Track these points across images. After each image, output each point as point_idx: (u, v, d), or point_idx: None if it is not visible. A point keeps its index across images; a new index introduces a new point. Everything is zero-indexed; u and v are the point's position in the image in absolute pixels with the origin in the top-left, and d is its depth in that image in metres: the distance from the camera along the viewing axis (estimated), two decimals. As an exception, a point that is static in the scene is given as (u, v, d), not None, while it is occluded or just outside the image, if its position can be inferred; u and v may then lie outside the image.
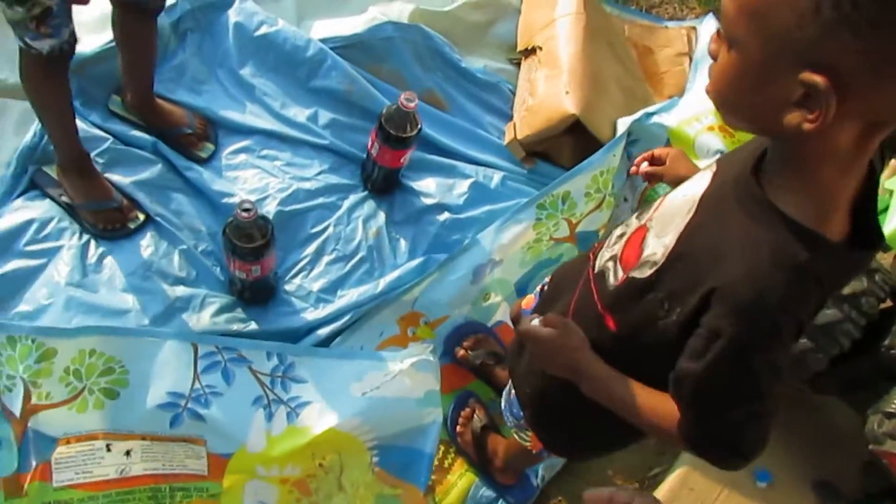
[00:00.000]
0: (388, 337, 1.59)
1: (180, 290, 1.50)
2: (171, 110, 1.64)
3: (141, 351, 1.27)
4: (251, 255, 1.37)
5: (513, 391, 1.16)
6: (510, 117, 1.96)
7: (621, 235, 0.93)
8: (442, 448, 1.56)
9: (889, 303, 1.50)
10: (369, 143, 1.64)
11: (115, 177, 1.56)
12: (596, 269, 0.95)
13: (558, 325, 0.90)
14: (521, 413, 1.14)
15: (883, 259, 1.72)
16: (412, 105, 1.50)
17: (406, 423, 1.31)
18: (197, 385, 1.27)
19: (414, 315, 1.63)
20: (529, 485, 1.57)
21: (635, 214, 0.94)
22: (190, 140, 1.65)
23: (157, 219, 1.55)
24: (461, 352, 1.63)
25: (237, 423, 1.26)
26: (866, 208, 0.69)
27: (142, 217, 1.54)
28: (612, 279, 0.89)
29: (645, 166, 1.05)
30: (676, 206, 0.83)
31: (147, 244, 1.53)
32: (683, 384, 0.76)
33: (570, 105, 1.75)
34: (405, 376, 1.32)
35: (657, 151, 1.05)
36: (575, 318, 0.96)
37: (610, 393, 0.86)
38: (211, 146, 1.68)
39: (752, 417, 0.74)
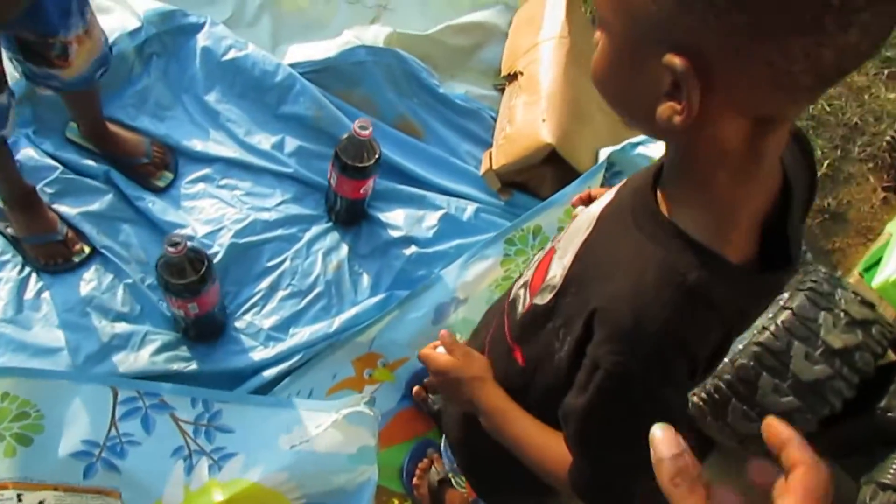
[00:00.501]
0: (342, 379, 1.49)
1: (120, 327, 1.42)
2: (126, 139, 1.59)
3: (58, 394, 1.20)
4: (186, 292, 1.29)
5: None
6: (490, 145, 1.86)
7: (534, 262, 0.85)
8: (396, 501, 1.44)
9: (892, 357, 1.34)
10: (328, 173, 1.56)
11: (63, 208, 1.50)
12: (510, 297, 0.87)
13: (458, 353, 0.83)
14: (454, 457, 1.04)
15: (886, 310, 1.56)
16: (366, 133, 1.41)
17: (337, 482, 1.21)
18: (113, 433, 1.19)
19: (371, 356, 1.53)
20: None
21: (553, 237, 0.85)
22: (147, 169, 1.59)
23: (104, 251, 1.49)
24: (422, 394, 1.51)
25: (154, 476, 1.17)
26: (779, 226, 0.60)
27: (87, 250, 1.48)
28: (520, 307, 0.81)
29: (580, 209, 0.94)
30: (579, 224, 0.74)
31: (90, 278, 1.46)
32: (568, 422, 0.68)
33: (546, 134, 1.64)
34: (337, 429, 1.21)
35: (595, 192, 0.95)
36: (489, 352, 0.89)
37: (503, 428, 0.79)
38: (169, 175, 1.62)
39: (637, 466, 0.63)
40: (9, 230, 1.46)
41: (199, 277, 1.28)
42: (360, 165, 1.47)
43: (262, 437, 1.21)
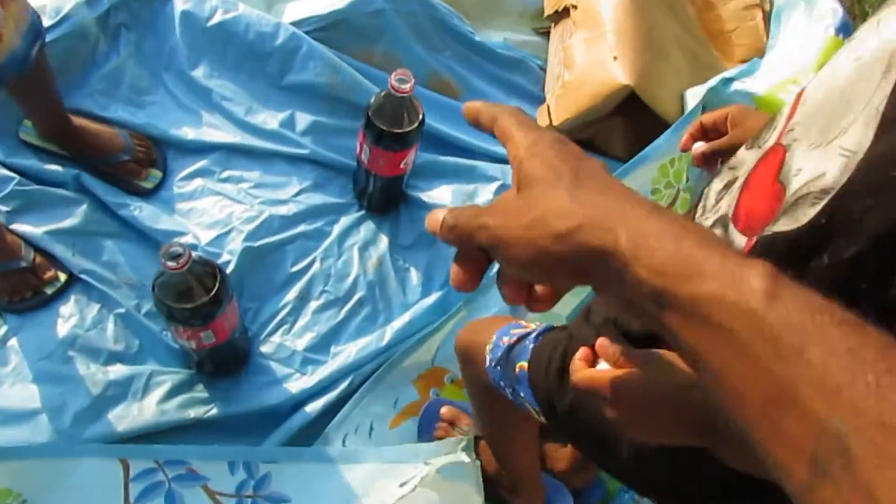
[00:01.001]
0: (407, 405, 1.18)
1: (116, 372, 1.11)
2: (97, 132, 1.26)
3: (47, 478, 0.90)
4: (195, 319, 0.97)
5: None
6: (542, 100, 1.54)
7: (727, 187, 0.55)
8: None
9: None
10: (358, 148, 1.23)
11: (25, 227, 1.18)
12: None
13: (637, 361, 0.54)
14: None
15: None
16: (407, 88, 1.08)
17: None
18: None
19: (435, 373, 1.22)
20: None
21: (746, 146, 0.55)
22: (128, 168, 1.26)
23: (84, 276, 1.16)
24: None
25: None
26: None
27: (63, 277, 1.16)
28: None
29: (700, 146, 0.73)
30: (847, 79, 0.42)
31: (70, 313, 1.14)
32: None
33: (620, 74, 1.32)
34: (431, 488, 0.90)
35: (707, 118, 0.73)
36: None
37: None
38: (157, 173, 1.29)
39: None
40: None
41: (212, 297, 0.96)
42: (401, 131, 1.15)
43: None
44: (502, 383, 0.79)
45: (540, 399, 0.72)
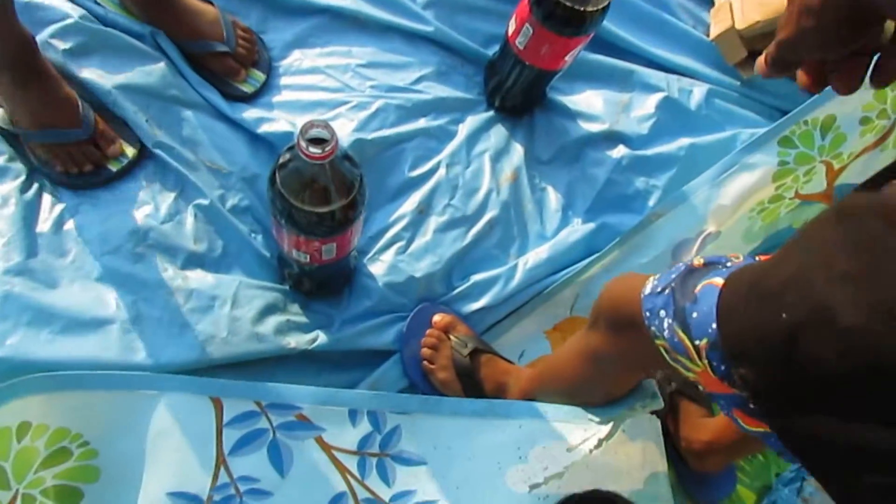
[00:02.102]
0: (534, 361, 0.96)
1: (196, 279, 0.87)
2: (195, 9, 0.97)
3: (118, 416, 0.67)
4: (323, 228, 0.74)
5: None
6: (707, -2, 1.26)
7: None
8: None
9: None
10: (512, 28, 0.97)
11: (88, 72, 0.91)
12: None
13: None
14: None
15: None
16: None
17: None
18: (224, 478, 0.68)
19: (573, 323, 0.99)
20: None
21: None
22: (226, 65, 0.98)
23: (158, 152, 0.91)
24: None
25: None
26: None
27: (131, 153, 0.90)
28: None
29: None
30: None
31: (140, 198, 0.90)
32: None
33: (840, -31, 1.04)
34: (610, 453, 0.69)
35: None
36: None
37: None
38: (260, 75, 1.01)
39: None
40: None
41: (350, 202, 0.72)
42: (585, 10, 0.88)
43: (475, 471, 0.69)
44: (662, 312, 0.57)
45: (725, 321, 0.50)
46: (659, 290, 0.59)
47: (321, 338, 0.88)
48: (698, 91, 1.13)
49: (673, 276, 0.59)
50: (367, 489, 0.71)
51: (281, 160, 0.71)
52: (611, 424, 0.72)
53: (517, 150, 1.06)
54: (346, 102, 1.01)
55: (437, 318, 0.92)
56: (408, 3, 1.09)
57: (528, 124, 1.09)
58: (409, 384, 0.90)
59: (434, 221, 0.99)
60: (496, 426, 0.75)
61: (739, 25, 1.13)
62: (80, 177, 0.87)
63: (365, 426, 0.74)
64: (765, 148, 1.02)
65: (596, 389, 0.76)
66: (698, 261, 0.59)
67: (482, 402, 0.78)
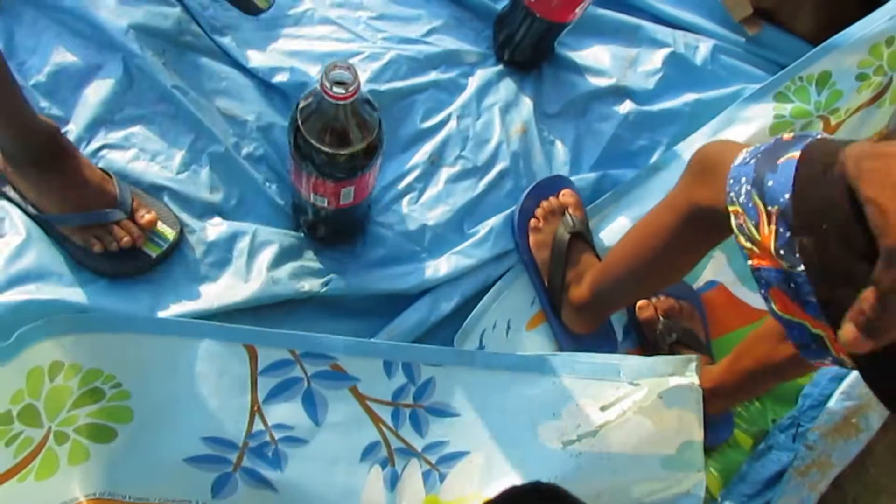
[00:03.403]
0: (541, 309, 0.99)
1: (215, 228, 0.89)
2: None
3: (152, 359, 0.69)
4: (343, 170, 0.75)
5: None
6: (713, -46, 1.26)
7: None
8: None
9: None
10: (523, -21, 0.97)
11: (105, 12, 0.91)
12: None
13: None
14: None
15: None
16: None
17: (638, 494, 0.73)
18: (259, 425, 0.70)
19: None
20: (611, 340, 0.99)
21: None
22: None
23: (175, 91, 0.92)
24: (648, 311, 1.01)
25: (334, 494, 0.69)
26: None
27: (171, 234, 0.85)
28: None
29: None
30: None
31: (154, 148, 0.91)
32: None
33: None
34: (646, 415, 0.72)
35: None
36: None
37: None
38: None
39: None
40: (15, 195, 0.83)
41: (370, 144, 0.74)
42: (598, -40, 0.89)
43: (508, 425, 0.72)
44: (744, 179, 0.60)
45: (799, 190, 0.54)
46: (747, 160, 0.61)
47: (335, 281, 0.90)
48: (704, 47, 1.15)
49: (762, 148, 0.61)
50: (401, 439, 0.74)
51: (302, 103, 0.72)
52: (647, 389, 0.75)
53: (526, 104, 1.08)
54: (358, 53, 1.02)
55: (566, 192, 0.99)
56: (418, -44, 1.09)
57: (536, 78, 1.10)
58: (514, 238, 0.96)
59: (445, 172, 1.01)
60: (530, 381, 0.78)
61: (744, -19, 1.14)
62: (120, 260, 0.83)
63: (399, 377, 0.77)
64: (761, 102, 1.04)
65: (657, 263, 0.79)
66: (788, 135, 0.61)
67: (515, 357, 0.81)
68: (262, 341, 0.74)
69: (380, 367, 0.77)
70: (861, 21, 1.06)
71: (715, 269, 1.07)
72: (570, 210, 0.97)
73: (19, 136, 0.75)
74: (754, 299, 1.06)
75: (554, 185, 1.00)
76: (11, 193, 0.83)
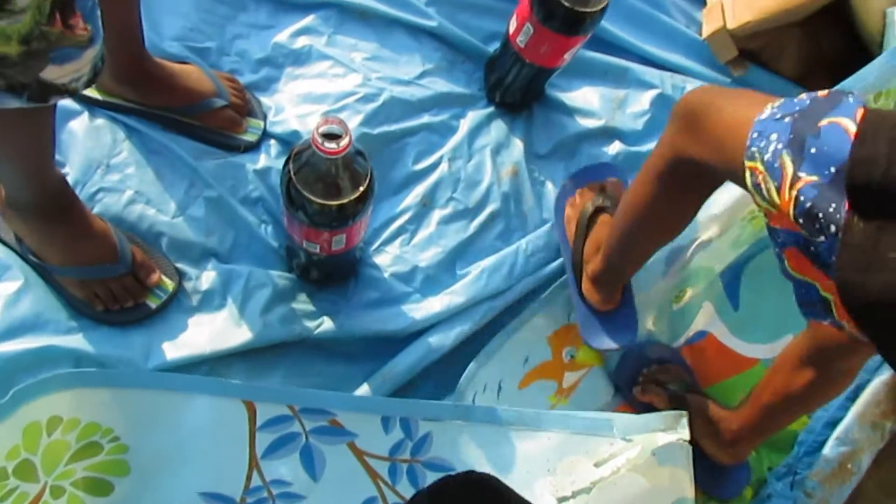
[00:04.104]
0: (539, 364, 0.99)
1: (210, 272, 0.90)
2: (181, 72, 0.94)
3: (150, 414, 0.70)
4: (335, 220, 0.77)
5: None
6: (701, -3, 1.30)
7: None
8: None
9: None
10: (513, 26, 1.00)
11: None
12: None
13: None
14: None
15: None
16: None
17: None
18: (256, 480, 0.71)
19: (570, 331, 1.02)
20: (629, 324, 0.99)
21: None
22: (227, 117, 0.96)
23: (174, 147, 0.94)
24: (643, 394, 0.99)
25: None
26: None
27: (170, 285, 0.87)
28: None
29: None
30: None
31: (149, 192, 0.92)
32: None
33: (829, -28, 1.08)
34: (640, 473, 0.73)
35: None
36: None
37: None
38: (259, 123, 1.00)
39: None
40: (5, 235, 0.85)
41: (360, 195, 0.76)
42: (585, 11, 0.91)
43: (504, 480, 0.72)
44: (774, 136, 0.57)
45: (859, 170, 0.52)
46: (778, 116, 0.58)
47: (327, 323, 0.92)
48: (691, 88, 1.17)
49: (797, 107, 0.58)
50: (398, 494, 0.75)
51: (295, 155, 0.74)
52: (640, 447, 0.76)
53: (517, 145, 1.10)
54: (352, 94, 1.04)
55: (611, 180, 1.03)
56: (412, 0, 1.11)
57: (527, 119, 1.12)
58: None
59: (437, 214, 1.02)
60: (526, 436, 0.79)
61: (730, 25, 1.16)
62: (120, 313, 0.84)
63: (397, 433, 0.77)
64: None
65: (650, 216, 0.79)
66: (823, 92, 0.58)
67: (513, 412, 0.82)
68: (260, 397, 0.75)
69: (377, 422, 0.78)
70: (853, 77, 1.06)
71: (704, 319, 1.07)
72: (608, 190, 1.01)
73: (36, 188, 0.75)
74: (745, 348, 1.07)
75: (601, 171, 1.04)
76: (7, 238, 0.84)
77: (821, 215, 0.52)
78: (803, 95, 0.59)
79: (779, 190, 0.55)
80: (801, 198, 0.53)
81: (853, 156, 0.51)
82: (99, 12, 0.55)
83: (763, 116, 0.59)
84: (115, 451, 0.70)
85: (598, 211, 0.99)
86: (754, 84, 1.21)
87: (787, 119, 0.57)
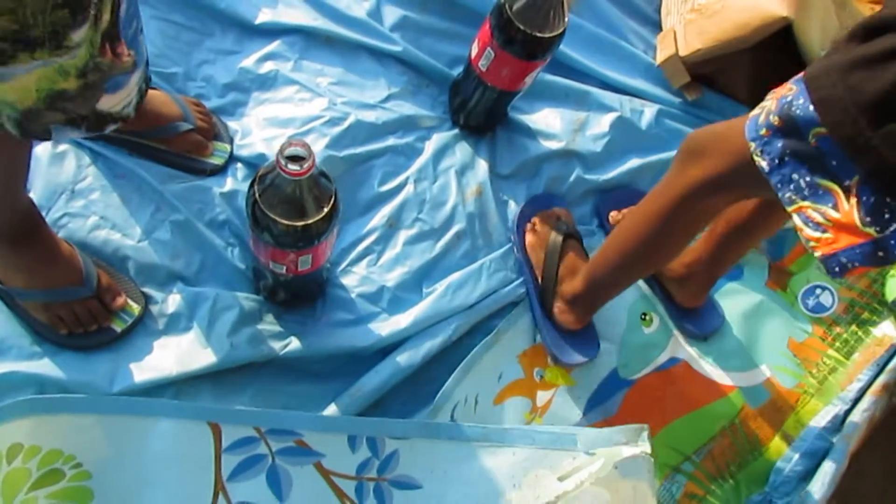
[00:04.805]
0: (511, 382, 1.01)
1: (176, 295, 0.90)
2: (147, 97, 0.91)
3: (112, 439, 0.70)
4: (300, 241, 0.78)
5: None
6: (656, 23, 1.34)
7: None
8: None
9: None
10: (475, 51, 1.03)
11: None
12: None
13: None
14: None
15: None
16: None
17: None
18: (222, 501, 0.70)
19: (537, 351, 1.04)
20: (592, 338, 1.06)
21: None
22: (194, 140, 0.96)
23: (140, 171, 0.94)
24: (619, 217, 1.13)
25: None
26: None
27: (136, 309, 0.87)
28: None
29: None
30: None
31: (115, 217, 0.93)
32: None
33: (776, 3, 1.13)
34: (603, 486, 0.74)
35: None
36: None
37: None
38: (225, 146, 1.01)
39: None
40: None
41: (325, 216, 0.77)
42: (544, 36, 0.95)
43: (470, 495, 0.73)
44: (794, 176, 0.63)
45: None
46: (778, 161, 0.63)
47: (294, 343, 0.92)
48: (649, 111, 1.21)
49: (779, 143, 0.63)
50: None
51: (259, 177, 0.75)
52: (602, 460, 0.77)
53: (481, 166, 1.12)
54: (318, 117, 1.06)
55: (557, 208, 1.10)
56: (376, 25, 1.14)
57: (490, 141, 1.15)
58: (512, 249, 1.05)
59: (403, 234, 1.04)
60: (491, 452, 0.80)
61: (682, 52, 1.21)
62: (84, 337, 0.84)
63: (364, 451, 0.78)
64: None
65: (651, 249, 0.85)
66: (771, 99, 0.65)
67: (479, 429, 0.83)
68: (226, 419, 0.75)
69: (344, 441, 0.78)
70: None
71: (674, 347, 1.10)
72: (563, 218, 1.07)
73: (6, 212, 0.75)
74: (718, 374, 1.10)
75: (548, 200, 1.11)
76: None
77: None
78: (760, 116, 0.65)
79: (836, 207, 0.60)
80: (864, 197, 0.58)
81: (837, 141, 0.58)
82: (141, 37, 0.56)
83: (767, 168, 0.64)
84: (77, 478, 0.69)
85: (567, 237, 1.04)
86: (711, 106, 1.26)
87: (788, 158, 0.62)
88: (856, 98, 0.57)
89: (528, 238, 1.06)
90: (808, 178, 0.61)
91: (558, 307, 1.02)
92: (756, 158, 0.65)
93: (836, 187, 0.60)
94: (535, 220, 1.07)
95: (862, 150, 0.57)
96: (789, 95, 0.63)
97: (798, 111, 0.61)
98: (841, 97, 0.57)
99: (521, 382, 1.00)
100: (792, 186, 0.63)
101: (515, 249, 1.07)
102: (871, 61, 0.56)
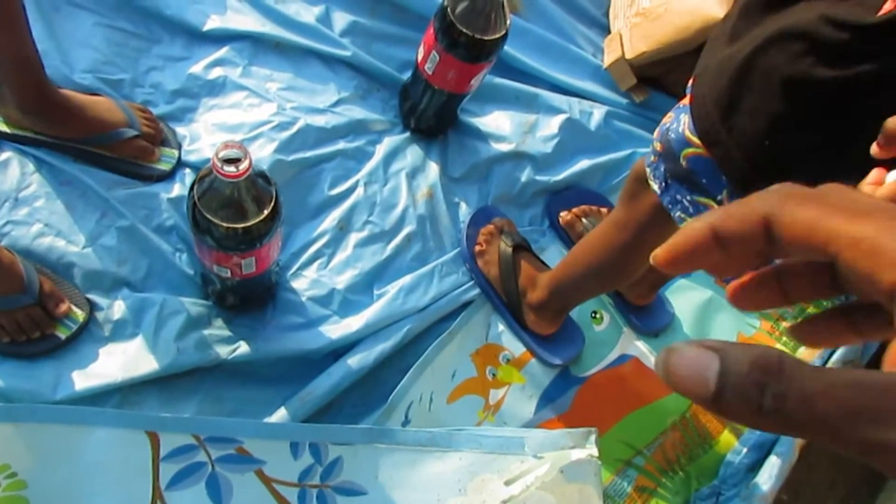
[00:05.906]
0: (465, 380, 1.02)
1: (122, 301, 0.90)
2: (89, 103, 0.94)
3: (49, 448, 0.69)
4: (242, 243, 0.78)
5: None
6: (604, 27, 1.37)
7: None
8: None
9: None
10: (421, 55, 1.04)
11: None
12: None
13: None
14: None
15: None
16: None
17: None
18: None
19: (489, 350, 1.06)
20: (577, 337, 1.09)
21: None
22: (137, 147, 0.96)
23: (85, 178, 0.94)
24: (568, 217, 1.16)
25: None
26: None
27: (81, 315, 0.86)
28: None
29: None
30: None
31: (59, 225, 0.92)
32: None
33: (715, 4, 1.16)
34: (548, 491, 0.75)
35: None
36: None
37: None
38: (173, 152, 1.01)
39: None
40: None
41: (267, 217, 0.77)
42: (486, 39, 0.96)
43: (415, 501, 0.74)
44: (679, 196, 0.66)
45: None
46: (669, 188, 0.67)
47: (243, 347, 0.92)
48: (598, 113, 1.23)
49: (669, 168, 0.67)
50: None
51: (198, 179, 0.75)
52: (549, 464, 0.78)
53: (432, 169, 1.13)
54: (267, 122, 1.06)
55: (496, 219, 1.09)
56: (326, 30, 1.15)
57: (442, 144, 1.16)
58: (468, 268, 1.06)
59: (354, 237, 1.05)
60: (437, 457, 0.80)
61: (628, 55, 1.24)
62: (27, 345, 0.83)
63: (306, 458, 0.77)
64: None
65: (621, 257, 0.86)
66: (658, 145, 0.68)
67: (424, 433, 0.83)
68: (164, 427, 0.75)
69: (286, 448, 0.78)
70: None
71: (624, 344, 1.12)
72: (505, 229, 1.07)
73: None
74: None
75: (486, 214, 1.11)
76: None
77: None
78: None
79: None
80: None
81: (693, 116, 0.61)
82: None
83: (660, 192, 0.69)
84: (12, 488, 0.68)
85: (516, 249, 1.05)
86: (658, 106, 1.28)
87: (684, 197, 0.66)
88: (712, 94, 0.60)
89: (481, 261, 1.07)
90: (689, 197, 0.65)
91: (529, 318, 1.04)
92: (651, 183, 0.69)
93: (712, 203, 0.63)
94: (480, 239, 1.08)
95: (714, 143, 0.60)
96: (668, 122, 0.67)
97: (672, 135, 0.65)
98: (704, 94, 0.61)
99: (474, 381, 1.01)
100: (679, 207, 0.67)
101: (473, 275, 1.07)
102: (724, 60, 0.59)
